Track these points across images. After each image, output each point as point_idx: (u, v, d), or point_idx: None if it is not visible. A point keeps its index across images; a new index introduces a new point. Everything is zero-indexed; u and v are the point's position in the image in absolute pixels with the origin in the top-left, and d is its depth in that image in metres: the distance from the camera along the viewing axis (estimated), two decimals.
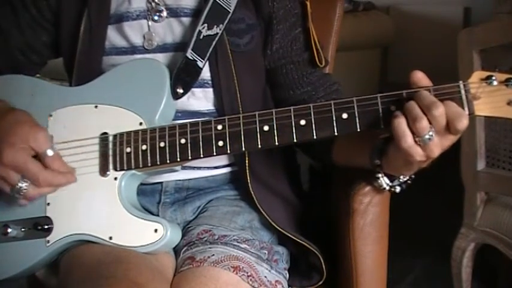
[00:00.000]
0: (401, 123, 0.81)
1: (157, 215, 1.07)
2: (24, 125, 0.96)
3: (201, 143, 0.93)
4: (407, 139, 0.81)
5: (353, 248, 1.01)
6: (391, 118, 0.82)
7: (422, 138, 0.80)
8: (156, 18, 1.05)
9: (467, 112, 0.82)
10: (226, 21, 1.02)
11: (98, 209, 0.97)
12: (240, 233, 1.01)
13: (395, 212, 1.08)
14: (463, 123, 0.79)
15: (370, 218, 1.00)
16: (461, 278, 1.67)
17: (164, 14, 1.05)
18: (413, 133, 0.81)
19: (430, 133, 0.80)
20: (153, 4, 1.05)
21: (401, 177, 0.92)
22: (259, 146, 0.91)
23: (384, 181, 0.93)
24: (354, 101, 0.87)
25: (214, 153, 0.93)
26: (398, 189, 0.93)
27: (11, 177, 0.94)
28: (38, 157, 0.95)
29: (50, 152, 0.95)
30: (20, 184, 0.94)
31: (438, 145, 0.82)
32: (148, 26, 1.05)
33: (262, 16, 1.06)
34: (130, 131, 0.97)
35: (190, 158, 0.94)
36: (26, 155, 0.94)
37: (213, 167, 1.09)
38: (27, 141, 0.94)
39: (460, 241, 1.64)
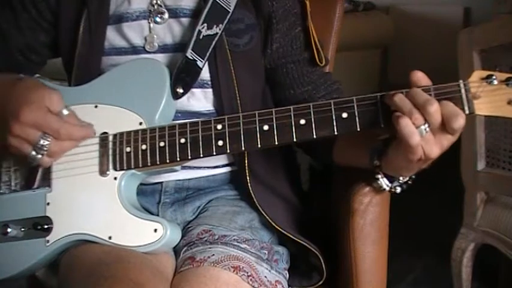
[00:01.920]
0: (408, 123, 0.80)
1: (157, 215, 1.07)
2: (37, 88, 0.96)
3: (200, 142, 0.93)
4: (416, 137, 0.80)
5: (353, 248, 1.01)
6: (394, 119, 0.82)
7: (419, 129, 0.80)
8: (158, 20, 1.05)
9: (467, 111, 0.82)
10: (225, 21, 1.02)
11: (97, 209, 0.97)
12: (240, 233, 1.01)
13: (395, 212, 1.08)
14: (459, 122, 0.79)
15: (370, 218, 1.00)
16: (461, 278, 1.67)
17: (166, 16, 1.05)
18: None
19: (425, 126, 0.80)
20: (155, 6, 1.05)
21: (401, 178, 0.92)
22: (259, 146, 0.91)
23: (384, 182, 0.93)
24: (353, 101, 0.87)
25: (214, 153, 0.93)
26: (398, 190, 0.93)
27: (32, 135, 0.93)
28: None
29: (65, 111, 0.96)
30: (41, 141, 0.93)
31: (436, 144, 0.81)
32: (150, 27, 1.05)
33: (262, 16, 1.06)
34: (130, 131, 0.97)
35: (190, 157, 0.94)
36: (44, 111, 0.94)
37: (213, 167, 1.09)
38: (43, 101, 0.94)
39: (460, 241, 1.64)
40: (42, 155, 0.95)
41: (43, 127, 0.93)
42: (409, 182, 0.93)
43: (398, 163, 0.87)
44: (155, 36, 1.05)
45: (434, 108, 0.79)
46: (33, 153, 0.94)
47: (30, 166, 1.01)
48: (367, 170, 0.94)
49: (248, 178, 1.03)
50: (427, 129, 0.80)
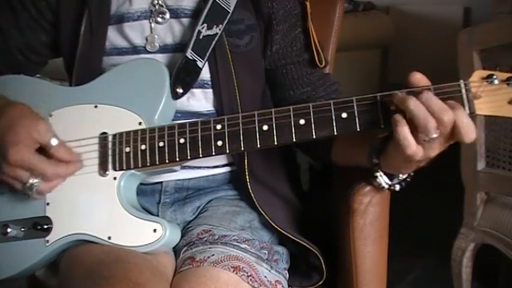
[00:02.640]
0: (406, 132, 0.80)
1: (157, 215, 1.07)
2: (25, 119, 0.96)
3: (200, 142, 0.93)
4: (412, 147, 0.80)
5: (353, 248, 1.01)
6: (393, 124, 0.81)
7: (430, 137, 0.79)
8: (159, 20, 1.05)
9: (468, 111, 0.81)
10: (225, 22, 1.02)
11: (97, 209, 0.97)
12: (240, 233, 1.01)
13: (395, 212, 1.08)
14: (470, 136, 0.78)
15: (370, 218, 1.00)
16: (461, 278, 1.67)
17: (167, 16, 1.05)
18: (420, 132, 0.79)
19: (435, 134, 0.79)
20: (157, 6, 1.05)
21: (400, 175, 0.92)
22: (259, 146, 0.91)
23: (383, 180, 0.93)
24: (353, 101, 0.87)
25: (213, 153, 0.93)
26: (397, 187, 0.93)
27: (20, 176, 0.94)
28: (43, 148, 0.95)
29: (54, 141, 0.95)
30: (30, 181, 0.94)
31: (439, 147, 0.81)
32: (151, 28, 1.05)
33: (262, 17, 1.06)
34: (130, 131, 0.97)
35: (189, 157, 0.94)
36: (30, 152, 0.94)
37: (213, 167, 1.09)
38: (30, 135, 0.94)
39: (460, 241, 1.64)
40: (33, 192, 0.95)
41: (30, 170, 0.94)
42: (408, 180, 0.93)
43: (397, 161, 0.86)
44: (156, 36, 1.05)
45: (449, 118, 0.78)
46: (24, 190, 0.95)
47: None
48: (366, 168, 0.94)
49: (248, 178, 1.03)
50: (437, 138, 0.79)
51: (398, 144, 0.81)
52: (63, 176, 0.98)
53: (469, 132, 0.79)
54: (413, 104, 0.79)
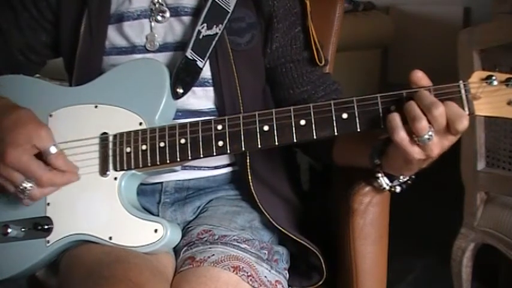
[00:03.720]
0: (395, 117, 0.81)
1: (157, 215, 1.07)
2: (27, 123, 0.96)
3: (200, 143, 0.93)
4: (400, 132, 0.81)
5: (353, 248, 1.01)
6: (388, 128, 0.82)
7: (422, 138, 0.80)
8: (159, 18, 1.05)
9: (467, 112, 0.82)
10: (225, 21, 1.02)
11: (97, 209, 0.97)
12: (240, 233, 1.01)
13: (396, 212, 1.08)
14: (463, 124, 0.79)
15: (370, 218, 1.00)
16: (461, 278, 1.67)
17: (167, 14, 1.05)
18: (413, 133, 0.81)
19: (430, 133, 0.80)
20: (157, 5, 1.05)
21: (401, 177, 0.92)
22: (259, 146, 0.91)
23: (384, 181, 0.93)
24: (353, 101, 0.87)
25: (214, 153, 0.93)
26: (398, 189, 0.93)
27: (14, 178, 0.94)
28: (42, 155, 0.95)
29: (53, 150, 0.95)
30: (24, 184, 0.94)
31: (438, 145, 0.81)
32: (151, 26, 1.05)
33: (263, 15, 1.06)
34: (130, 131, 0.97)
35: (190, 158, 0.94)
36: (28, 156, 0.94)
37: (213, 167, 1.09)
38: (30, 140, 0.94)
39: (460, 241, 1.64)
40: (24, 196, 0.95)
41: (26, 172, 0.94)
42: (409, 182, 0.93)
43: (399, 162, 0.87)
44: (156, 35, 1.05)
45: (440, 112, 0.79)
46: (16, 193, 0.95)
47: None
48: (367, 169, 0.94)
49: (250, 178, 1.03)
50: (431, 137, 0.80)
51: (394, 143, 0.82)
52: (58, 184, 0.97)
53: (461, 120, 0.79)
54: (408, 103, 0.81)
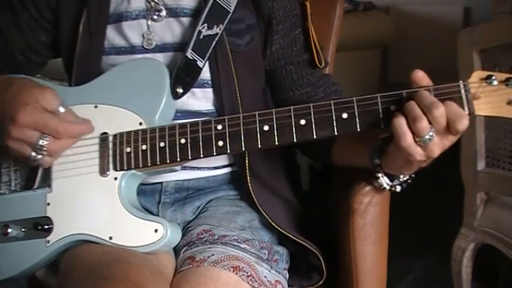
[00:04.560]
0: (402, 123, 0.81)
1: (157, 215, 1.07)
2: (32, 87, 0.96)
3: (201, 143, 0.93)
4: (407, 138, 0.81)
5: (353, 248, 1.01)
6: (391, 118, 0.82)
7: (423, 138, 0.80)
8: (155, 17, 1.05)
9: (467, 112, 0.82)
10: (226, 21, 1.02)
11: (98, 209, 0.97)
12: (240, 233, 1.01)
13: (396, 212, 1.08)
14: (463, 123, 0.79)
15: (370, 218, 1.00)
16: (461, 278, 1.67)
17: (163, 13, 1.05)
18: (413, 133, 0.81)
19: (430, 133, 0.80)
20: (152, 4, 1.05)
21: (402, 176, 0.92)
22: (259, 146, 0.91)
23: (384, 181, 0.93)
24: (353, 101, 0.87)
25: (214, 153, 0.93)
26: (398, 188, 0.93)
27: (30, 137, 0.93)
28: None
29: (62, 109, 0.95)
30: (41, 142, 0.93)
31: (438, 145, 0.82)
32: (148, 25, 1.05)
33: (262, 16, 1.06)
34: (130, 131, 0.97)
35: (190, 158, 0.94)
36: (40, 111, 0.93)
37: (213, 167, 1.09)
38: (38, 101, 0.94)
39: (460, 241, 1.64)
40: (43, 155, 0.95)
41: (41, 127, 0.93)
42: (409, 181, 0.93)
43: (399, 162, 0.87)
44: (153, 33, 1.05)
45: (440, 112, 0.79)
46: (33, 153, 0.94)
47: (30, 166, 1.02)
48: (367, 169, 0.94)
49: (249, 178, 1.03)
50: (431, 137, 0.80)
51: (398, 146, 0.82)
52: (75, 134, 0.97)
53: (461, 120, 0.79)
54: (408, 103, 0.81)
